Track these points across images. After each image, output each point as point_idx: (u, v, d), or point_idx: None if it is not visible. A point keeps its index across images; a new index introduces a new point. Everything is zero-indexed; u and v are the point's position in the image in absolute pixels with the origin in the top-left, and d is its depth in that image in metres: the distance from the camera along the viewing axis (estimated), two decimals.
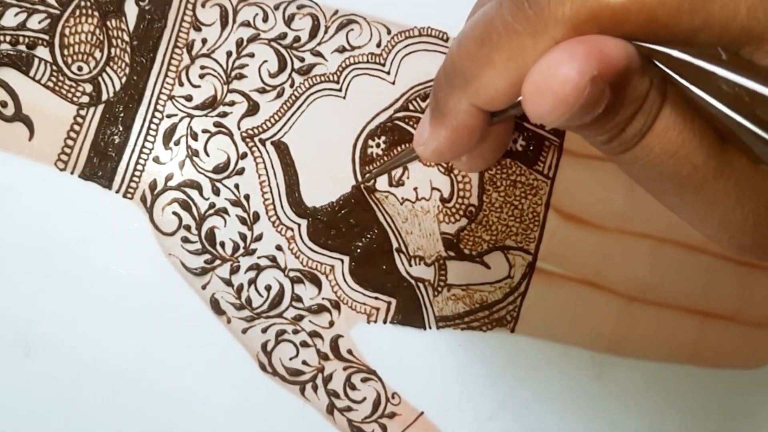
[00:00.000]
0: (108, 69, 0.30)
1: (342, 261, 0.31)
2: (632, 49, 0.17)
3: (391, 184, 0.32)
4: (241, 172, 0.31)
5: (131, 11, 0.30)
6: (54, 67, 0.30)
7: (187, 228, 0.30)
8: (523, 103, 0.17)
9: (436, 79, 0.20)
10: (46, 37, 0.30)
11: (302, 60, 0.31)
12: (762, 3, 0.16)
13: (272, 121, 0.31)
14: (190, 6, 0.31)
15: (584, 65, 0.16)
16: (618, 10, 0.16)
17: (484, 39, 0.18)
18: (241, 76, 0.31)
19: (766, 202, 0.18)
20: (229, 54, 0.31)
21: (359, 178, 0.31)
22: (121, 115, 0.30)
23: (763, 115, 0.16)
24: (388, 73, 0.32)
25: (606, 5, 0.16)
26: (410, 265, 0.32)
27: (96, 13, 0.30)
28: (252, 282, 0.31)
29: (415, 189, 0.32)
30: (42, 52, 0.30)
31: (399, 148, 0.32)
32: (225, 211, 0.31)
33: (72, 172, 0.30)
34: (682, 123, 0.17)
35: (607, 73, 0.16)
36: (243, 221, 0.31)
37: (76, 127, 0.30)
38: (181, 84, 0.31)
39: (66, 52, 0.30)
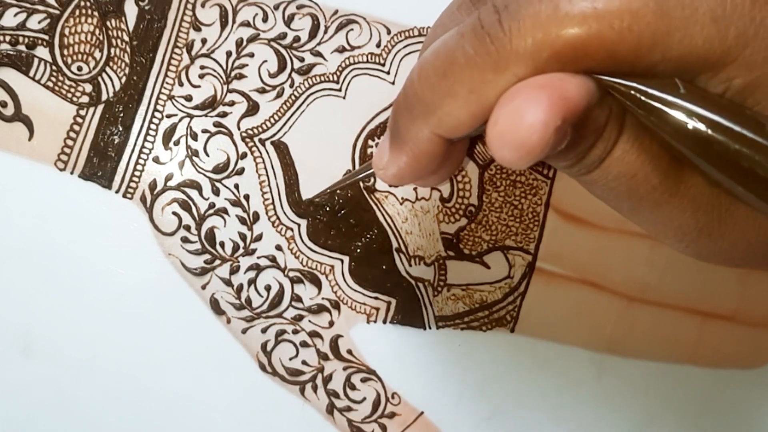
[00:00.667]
0: (108, 69, 0.30)
1: (342, 261, 0.31)
2: (592, 85, 0.17)
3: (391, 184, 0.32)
4: (240, 172, 0.31)
5: (131, 11, 0.30)
6: (54, 67, 0.30)
7: (187, 228, 0.30)
8: (490, 150, 0.17)
9: (396, 105, 0.20)
10: (46, 37, 0.30)
11: (302, 60, 0.31)
12: (717, 34, 0.16)
13: (272, 121, 0.31)
14: (189, 6, 0.31)
15: (549, 115, 0.16)
16: (578, 47, 0.16)
17: (446, 70, 0.18)
18: (240, 76, 0.31)
19: (719, 216, 0.19)
20: (228, 54, 0.31)
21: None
22: (121, 115, 0.30)
23: (717, 145, 0.16)
24: (388, 73, 0.32)
25: (566, 42, 0.16)
26: (410, 265, 0.32)
27: (96, 13, 0.30)
28: (252, 282, 0.31)
29: (415, 189, 0.32)
30: (42, 52, 0.30)
31: None
32: (225, 211, 0.31)
33: (72, 172, 0.30)
34: (639, 148, 0.18)
35: (570, 117, 0.16)
36: (243, 221, 0.31)
37: (76, 127, 0.30)
38: (181, 84, 0.31)
39: (66, 52, 0.30)
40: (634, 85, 0.17)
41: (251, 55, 0.31)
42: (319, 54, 0.31)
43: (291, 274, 0.31)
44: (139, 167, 0.30)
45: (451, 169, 0.22)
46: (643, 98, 0.17)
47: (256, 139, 0.31)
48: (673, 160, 0.18)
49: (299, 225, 0.31)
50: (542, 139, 0.16)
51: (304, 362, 0.31)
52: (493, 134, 0.17)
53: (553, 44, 0.16)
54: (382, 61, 0.32)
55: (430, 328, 0.32)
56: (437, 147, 0.19)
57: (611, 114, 0.18)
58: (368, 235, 0.31)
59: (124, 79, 0.30)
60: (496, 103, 0.17)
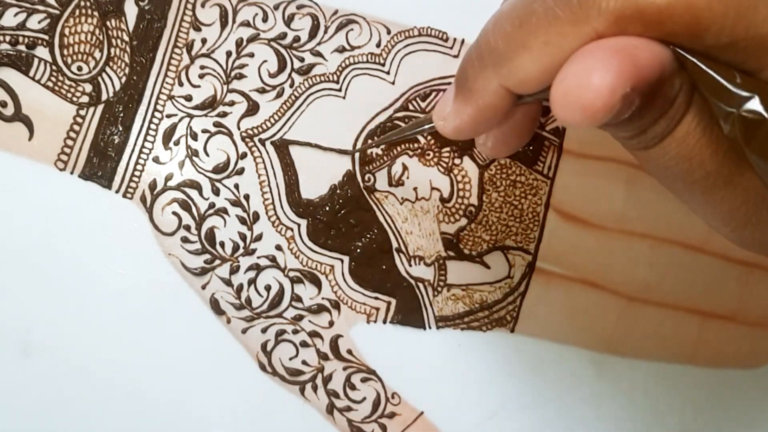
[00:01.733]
0: (108, 69, 0.30)
1: (342, 261, 0.31)
2: (668, 55, 0.17)
3: (391, 184, 0.32)
4: (240, 172, 0.31)
5: (131, 11, 0.30)
6: (54, 67, 0.30)
7: (187, 228, 0.30)
8: (552, 107, 0.17)
9: (467, 55, 0.19)
10: (46, 37, 0.30)
11: (302, 60, 0.31)
12: None
13: (272, 121, 0.31)
14: (189, 6, 0.31)
15: (617, 81, 0.16)
16: (663, 8, 0.16)
17: (522, 21, 0.17)
18: (240, 76, 0.31)
19: None
20: (228, 54, 0.31)
21: (359, 179, 0.31)
22: (121, 115, 0.30)
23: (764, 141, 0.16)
24: (388, 73, 0.32)
25: (652, 2, 0.16)
26: (410, 265, 0.32)
27: (96, 13, 0.30)
28: (252, 282, 0.31)
29: (415, 189, 0.32)
30: (42, 52, 0.30)
31: (398, 148, 0.32)
32: (225, 211, 0.31)
33: (72, 172, 0.30)
34: (701, 131, 0.18)
35: (639, 86, 0.16)
36: (243, 221, 0.31)
37: (76, 127, 0.30)
38: (181, 84, 0.31)
39: (66, 52, 0.30)
40: (708, 68, 0.17)
41: (251, 55, 0.31)
42: (319, 54, 0.31)
43: (291, 274, 0.31)
44: (139, 167, 0.30)
45: (521, 137, 0.22)
46: (715, 79, 0.16)
47: (256, 139, 0.31)
48: (731, 148, 0.18)
49: (299, 225, 0.31)
50: (607, 105, 0.16)
51: (304, 362, 0.31)
52: (557, 91, 0.16)
53: (638, 3, 0.16)
54: (382, 61, 0.32)
55: (430, 328, 0.32)
56: (504, 101, 0.19)
57: (681, 90, 0.17)
58: (368, 235, 0.31)
59: (124, 79, 0.30)
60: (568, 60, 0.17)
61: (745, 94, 0.16)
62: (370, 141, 0.31)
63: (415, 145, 0.32)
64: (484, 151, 0.23)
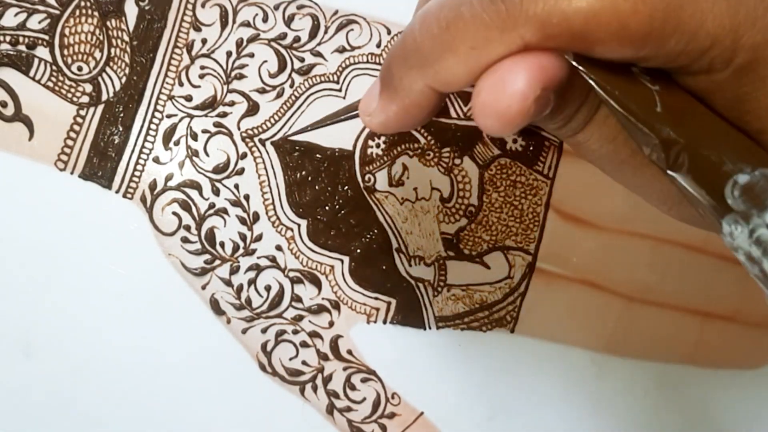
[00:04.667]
0: (108, 69, 0.30)
1: (342, 261, 0.31)
2: (570, 56, 0.17)
3: (391, 184, 0.32)
4: (240, 172, 0.31)
5: (131, 11, 0.30)
6: (54, 67, 0.30)
7: (187, 228, 0.30)
8: (474, 119, 0.17)
9: (392, 53, 0.20)
10: (46, 37, 0.30)
11: (302, 60, 0.31)
12: (728, 10, 0.16)
13: (272, 121, 0.31)
14: (189, 6, 0.31)
15: (527, 86, 0.16)
16: (589, 15, 0.16)
17: (450, 23, 0.17)
18: (241, 76, 0.31)
19: None
20: (229, 54, 0.31)
21: (359, 179, 0.31)
22: (121, 115, 0.30)
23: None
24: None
25: (578, 10, 0.16)
26: (410, 265, 0.32)
27: (96, 13, 0.30)
28: (252, 282, 0.31)
29: (415, 189, 0.32)
30: (42, 52, 0.30)
31: (399, 148, 0.32)
32: (225, 211, 0.31)
33: (72, 172, 0.30)
34: None
35: (550, 86, 0.17)
36: (243, 221, 0.31)
37: (76, 127, 0.30)
38: (181, 84, 0.31)
39: (66, 52, 0.30)
40: (622, 108, 0.17)
41: (251, 55, 0.31)
42: (319, 54, 0.31)
43: (291, 274, 0.31)
44: (139, 167, 0.30)
45: (431, 115, 0.22)
46: (598, 91, 0.17)
47: (256, 139, 0.31)
48: None
49: (299, 225, 0.31)
50: (521, 110, 0.17)
51: (304, 362, 0.31)
52: (476, 104, 0.17)
53: (565, 11, 0.16)
54: (382, 62, 0.32)
55: (430, 328, 0.32)
56: (429, 99, 0.19)
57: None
58: (368, 235, 0.31)
59: (124, 79, 0.30)
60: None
61: (662, 127, 0.17)
62: (307, 127, 0.31)
63: (415, 145, 0.32)
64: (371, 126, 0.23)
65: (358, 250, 0.31)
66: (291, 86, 0.31)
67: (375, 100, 0.20)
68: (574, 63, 0.17)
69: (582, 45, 0.17)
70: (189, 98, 0.31)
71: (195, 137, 0.31)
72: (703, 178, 0.17)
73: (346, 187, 0.31)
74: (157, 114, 0.30)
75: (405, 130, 0.21)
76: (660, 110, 0.17)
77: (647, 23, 0.16)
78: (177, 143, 0.30)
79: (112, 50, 0.30)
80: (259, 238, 0.31)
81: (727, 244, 0.17)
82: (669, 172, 0.17)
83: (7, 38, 0.29)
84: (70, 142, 0.30)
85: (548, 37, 0.16)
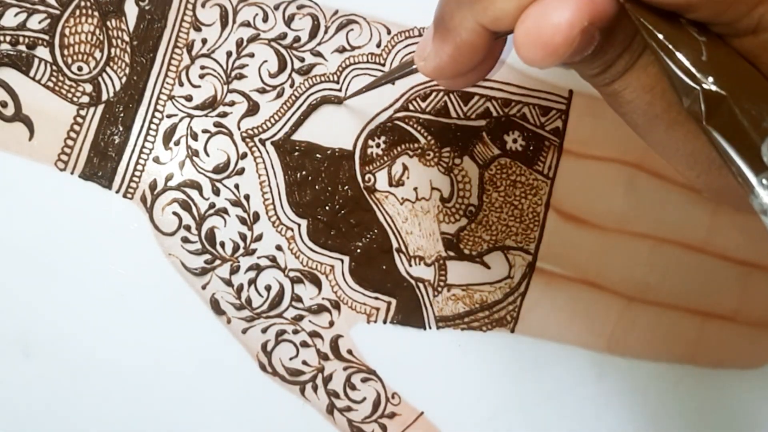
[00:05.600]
0: (108, 69, 0.30)
1: (342, 261, 0.31)
2: None
3: (391, 184, 0.32)
4: (241, 172, 0.31)
5: (131, 11, 0.30)
6: (54, 67, 0.30)
7: (187, 228, 0.30)
8: (515, 48, 0.17)
9: None
10: (46, 37, 0.30)
11: (302, 60, 0.31)
12: None
13: (272, 121, 0.31)
14: (190, 6, 0.31)
15: (575, 16, 0.16)
16: None
17: None
18: (241, 76, 0.31)
19: None
20: (229, 54, 0.31)
21: (360, 179, 0.31)
22: (121, 115, 0.30)
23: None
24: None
25: None
26: (410, 265, 0.32)
27: (96, 13, 0.30)
28: (252, 282, 0.31)
29: (415, 189, 0.32)
30: (42, 52, 0.30)
31: (399, 148, 0.32)
32: (225, 211, 0.31)
33: (72, 173, 0.30)
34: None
35: (598, 21, 0.16)
36: (243, 221, 0.31)
37: (76, 127, 0.30)
38: (181, 84, 0.31)
39: (66, 52, 0.30)
40: (673, 46, 0.17)
41: (251, 55, 0.31)
42: (319, 54, 0.31)
43: (291, 274, 0.31)
44: (139, 167, 0.30)
45: (484, 71, 0.22)
46: (677, 58, 0.17)
47: (256, 139, 0.31)
48: None
49: (299, 225, 0.31)
50: (566, 40, 0.16)
51: (304, 362, 0.31)
52: (519, 32, 0.17)
53: None
54: (382, 62, 0.32)
55: (430, 328, 0.32)
56: (481, 39, 0.19)
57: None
58: (368, 235, 0.31)
59: (124, 79, 0.30)
60: None
61: (705, 75, 0.17)
62: (362, 88, 0.30)
63: (415, 145, 0.32)
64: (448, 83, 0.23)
65: (358, 250, 0.31)
66: (291, 86, 0.31)
67: (429, 44, 0.20)
68: (625, 4, 0.17)
69: None
70: (189, 98, 0.31)
71: (195, 137, 0.31)
72: (741, 134, 0.16)
73: (347, 187, 0.31)
74: (157, 114, 0.30)
75: (461, 76, 0.21)
76: (705, 60, 0.17)
77: None
78: (177, 143, 0.30)
79: (113, 50, 0.30)
80: (259, 238, 0.31)
81: (756, 206, 0.16)
82: (706, 124, 0.17)
83: (7, 38, 0.29)
84: (70, 142, 0.30)
85: None
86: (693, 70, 0.17)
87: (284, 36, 0.31)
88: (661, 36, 0.17)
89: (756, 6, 0.17)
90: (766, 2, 0.16)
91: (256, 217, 0.31)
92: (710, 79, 0.16)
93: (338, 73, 0.31)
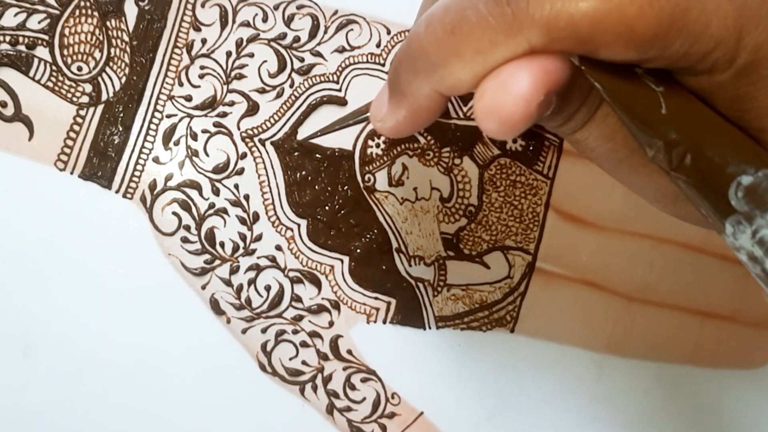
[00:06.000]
0: (108, 69, 0.30)
1: (342, 261, 0.31)
2: (575, 59, 0.17)
3: (391, 184, 0.32)
4: (240, 172, 0.31)
5: (131, 11, 0.30)
6: (54, 67, 0.30)
7: (187, 228, 0.30)
8: (477, 122, 0.17)
9: (398, 58, 0.20)
10: (46, 37, 0.30)
11: (302, 60, 0.31)
12: (733, 11, 0.16)
13: (272, 121, 0.31)
14: (189, 6, 0.31)
15: (532, 91, 0.16)
16: (596, 18, 0.16)
17: (455, 27, 0.17)
18: (240, 76, 0.31)
19: None
20: (228, 54, 0.31)
21: (359, 179, 0.31)
22: (121, 115, 0.30)
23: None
24: (388, 73, 0.32)
25: (585, 14, 0.16)
26: (410, 265, 0.32)
27: (96, 14, 0.30)
28: (252, 282, 0.31)
29: (415, 189, 0.32)
30: (42, 52, 0.30)
31: (398, 148, 0.32)
32: (225, 211, 0.31)
33: (72, 172, 0.30)
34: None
35: (554, 89, 0.17)
36: (243, 221, 0.31)
37: (76, 128, 0.30)
38: (181, 84, 0.31)
39: (66, 52, 0.30)
40: (598, 85, 0.17)
41: (251, 55, 0.31)
42: (319, 54, 0.31)
43: (291, 274, 0.31)
44: (139, 167, 0.30)
45: (436, 118, 0.22)
46: (636, 115, 0.17)
47: (256, 139, 0.31)
48: None
49: (299, 225, 0.31)
50: (525, 115, 0.17)
51: (304, 362, 0.31)
52: (478, 108, 0.17)
53: (571, 14, 0.16)
54: (382, 62, 0.32)
55: (430, 328, 0.32)
56: (437, 104, 0.19)
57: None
58: (368, 235, 0.31)
59: (124, 79, 0.30)
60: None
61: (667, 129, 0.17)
62: (317, 132, 0.31)
63: (415, 145, 0.32)
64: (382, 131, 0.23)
65: (358, 250, 0.31)
66: (291, 86, 0.31)
67: (384, 106, 0.21)
68: (580, 67, 0.17)
69: (588, 48, 0.17)
70: (189, 98, 0.31)
71: (195, 137, 0.31)
72: (707, 180, 0.17)
73: (346, 187, 0.31)
74: (156, 114, 0.30)
75: (414, 132, 0.22)
76: (665, 112, 0.17)
77: (654, 26, 0.16)
78: (177, 143, 0.30)
79: (112, 50, 0.30)
80: (259, 238, 0.31)
81: (729, 244, 0.17)
82: (673, 173, 0.17)
83: (7, 38, 0.29)
84: (69, 142, 0.30)
85: (554, 40, 0.16)
86: (654, 124, 0.17)
87: (284, 36, 0.31)
88: (619, 95, 0.17)
89: (710, 52, 0.17)
90: (720, 47, 0.17)
91: (256, 217, 0.31)
92: (672, 131, 0.17)
93: (338, 73, 0.31)
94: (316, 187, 0.31)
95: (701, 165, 0.17)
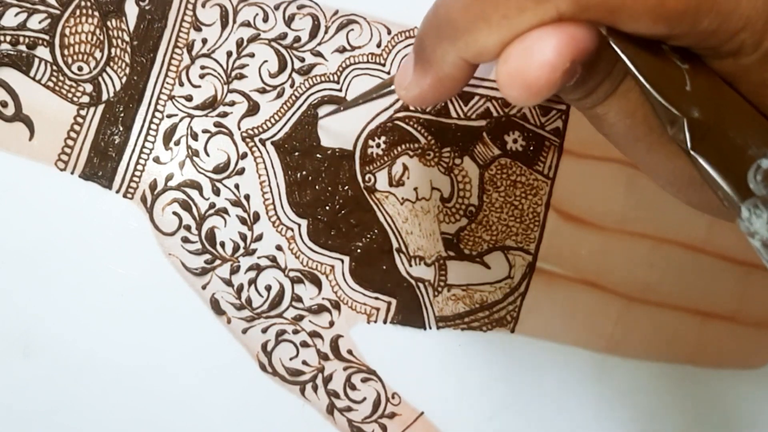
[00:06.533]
0: (108, 69, 0.30)
1: (342, 261, 0.31)
2: (603, 29, 0.17)
3: (391, 184, 0.32)
4: (241, 172, 0.31)
5: (131, 11, 0.30)
6: (54, 67, 0.30)
7: (187, 228, 0.30)
8: (499, 88, 0.17)
9: (424, 25, 0.19)
10: (47, 37, 0.30)
11: (302, 60, 0.31)
12: None
13: (272, 121, 0.31)
14: (190, 6, 0.31)
15: (558, 58, 0.16)
16: None
17: None
18: (241, 76, 0.31)
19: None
20: (229, 54, 0.31)
21: (360, 179, 0.31)
22: (122, 115, 0.30)
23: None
24: (389, 73, 0.32)
25: None
26: (410, 265, 0.32)
27: (96, 13, 0.30)
28: (252, 282, 0.31)
29: (415, 189, 0.32)
30: (42, 52, 0.30)
31: (399, 148, 0.32)
32: (225, 211, 0.31)
33: (72, 172, 0.30)
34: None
35: (579, 58, 0.16)
36: (243, 221, 0.31)
37: (77, 127, 0.30)
38: (182, 84, 0.31)
39: (66, 52, 0.30)
40: (624, 57, 0.17)
41: (252, 55, 0.31)
42: (319, 54, 0.31)
43: (291, 274, 0.31)
44: (139, 167, 0.30)
45: (462, 87, 0.22)
46: (661, 89, 0.17)
47: (256, 139, 0.31)
48: None
49: (299, 225, 0.31)
50: (549, 81, 0.16)
51: (304, 362, 0.31)
52: (501, 72, 0.17)
53: None
54: (382, 62, 0.32)
55: (430, 328, 0.32)
56: (462, 71, 0.19)
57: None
58: (368, 235, 0.31)
59: (124, 79, 0.30)
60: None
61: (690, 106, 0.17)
62: (339, 107, 0.30)
63: (416, 145, 0.32)
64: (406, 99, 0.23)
65: (359, 250, 0.31)
66: (291, 86, 0.31)
67: (409, 74, 0.20)
68: (608, 37, 0.17)
69: (617, 19, 0.16)
70: (189, 98, 0.31)
71: (195, 137, 0.31)
72: (726, 161, 0.17)
73: (347, 187, 0.31)
74: (157, 114, 0.30)
75: (439, 102, 0.21)
76: (689, 89, 0.17)
77: (684, 1, 0.16)
78: (177, 143, 0.30)
79: (113, 50, 0.30)
80: (259, 237, 0.31)
81: (743, 229, 0.17)
82: (692, 152, 0.17)
83: (8, 38, 0.29)
84: (70, 142, 0.30)
85: (583, 9, 0.16)
86: (678, 100, 0.17)
87: (284, 36, 0.31)
88: (645, 69, 0.17)
89: (738, 32, 0.17)
90: (748, 28, 0.17)
91: (257, 217, 0.31)
92: (695, 109, 0.17)
93: (338, 73, 0.31)
94: (317, 187, 0.31)
95: (722, 145, 0.17)
